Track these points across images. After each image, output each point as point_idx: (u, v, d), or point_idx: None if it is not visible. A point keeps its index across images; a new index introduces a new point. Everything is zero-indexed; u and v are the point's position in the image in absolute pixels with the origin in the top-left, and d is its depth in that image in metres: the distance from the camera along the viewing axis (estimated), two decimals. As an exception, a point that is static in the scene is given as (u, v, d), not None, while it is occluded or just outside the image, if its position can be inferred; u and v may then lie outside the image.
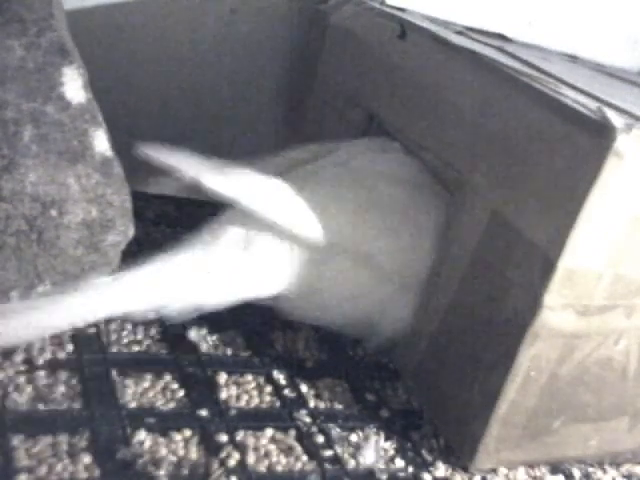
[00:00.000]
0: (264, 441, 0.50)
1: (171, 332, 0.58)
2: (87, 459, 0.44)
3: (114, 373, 0.51)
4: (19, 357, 0.50)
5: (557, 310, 0.48)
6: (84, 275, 0.52)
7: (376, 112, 0.65)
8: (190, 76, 0.78)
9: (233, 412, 0.52)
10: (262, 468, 0.48)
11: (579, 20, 0.88)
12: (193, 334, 0.58)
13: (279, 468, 0.48)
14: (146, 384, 0.52)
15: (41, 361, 0.50)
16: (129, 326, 0.57)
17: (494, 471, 0.55)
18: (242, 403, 0.53)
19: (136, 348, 0.55)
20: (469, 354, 0.53)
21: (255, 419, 0.52)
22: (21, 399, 0.47)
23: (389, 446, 0.54)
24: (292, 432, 0.52)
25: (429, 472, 0.52)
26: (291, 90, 0.82)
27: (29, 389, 0.48)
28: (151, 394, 0.51)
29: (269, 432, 0.51)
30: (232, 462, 0.47)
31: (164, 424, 0.49)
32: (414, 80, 0.61)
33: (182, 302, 0.53)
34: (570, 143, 0.46)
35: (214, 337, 0.59)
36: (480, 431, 0.52)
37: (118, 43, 0.72)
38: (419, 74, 0.61)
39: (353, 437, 0.53)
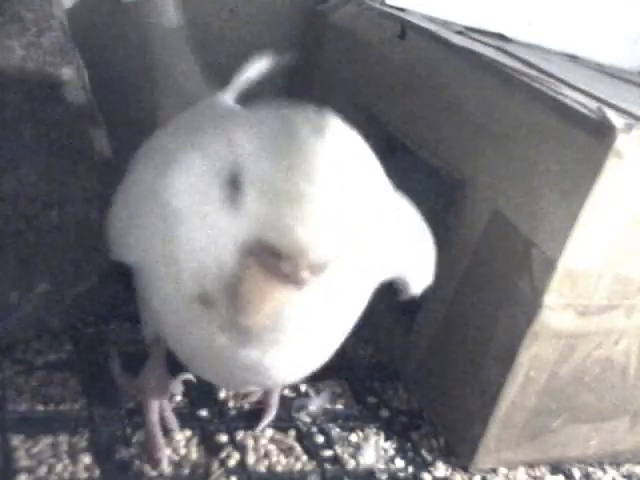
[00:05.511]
0: (264, 441, 0.50)
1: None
2: (87, 459, 0.44)
3: (114, 373, 0.51)
4: (19, 357, 0.50)
5: (557, 310, 0.48)
6: (84, 275, 0.52)
7: (376, 112, 0.65)
8: (190, 76, 0.78)
9: (233, 412, 0.52)
10: (262, 468, 0.48)
11: (579, 20, 0.87)
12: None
13: (279, 468, 0.48)
14: (146, 384, 0.52)
15: (41, 361, 0.50)
16: (128, 325, 0.57)
17: (494, 471, 0.55)
18: (242, 403, 0.53)
19: (136, 347, 0.55)
20: (469, 354, 0.53)
21: (255, 419, 0.51)
22: (21, 399, 0.47)
23: (389, 446, 0.54)
24: (292, 432, 0.52)
25: (429, 472, 0.52)
26: (291, 90, 0.82)
27: (29, 389, 0.48)
28: (151, 394, 0.51)
29: (269, 432, 0.51)
30: (232, 462, 0.47)
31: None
32: (414, 80, 0.61)
33: None
34: (570, 143, 0.46)
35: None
36: (480, 431, 0.52)
37: (118, 43, 0.72)
38: (419, 74, 0.61)
39: (353, 437, 0.53)
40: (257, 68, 0.57)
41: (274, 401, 0.52)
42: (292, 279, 0.33)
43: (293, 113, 0.35)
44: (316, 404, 0.55)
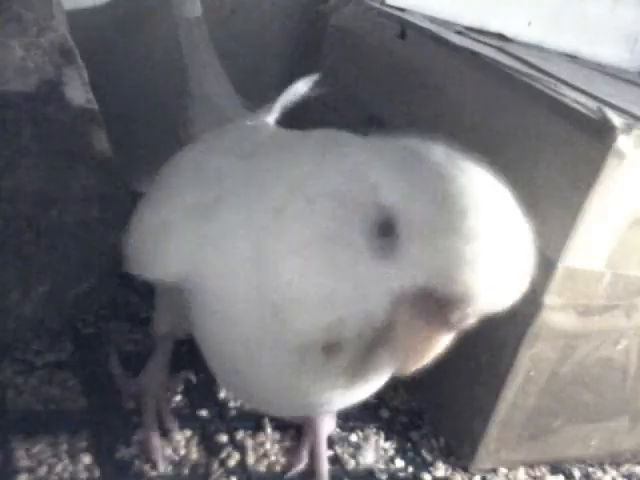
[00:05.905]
0: (264, 441, 0.50)
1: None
2: (87, 459, 0.44)
3: (113, 372, 0.51)
4: (19, 357, 0.50)
5: (557, 310, 0.48)
6: (84, 275, 0.52)
7: (376, 112, 0.65)
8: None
9: (233, 412, 0.52)
10: (262, 468, 0.48)
11: (579, 20, 0.87)
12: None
13: (279, 468, 0.48)
14: (146, 384, 0.52)
15: (41, 361, 0.50)
16: (128, 325, 0.57)
17: (494, 471, 0.55)
18: (242, 403, 0.53)
19: (136, 347, 0.55)
20: (469, 354, 0.53)
21: (255, 419, 0.52)
22: (21, 399, 0.47)
23: (389, 446, 0.54)
24: (292, 432, 0.52)
25: (429, 472, 0.52)
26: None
27: (29, 389, 0.48)
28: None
29: (269, 432, 0.51)
30: (232, 462, 0.47)
31: (164, 424, 0.49)
32: (414, 80, 0.61)
33: None
34: (570, 143, 0.46)
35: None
36: (480, 431, 0.52)
37: (118, 43, 0.72)
38: (419, 74, 0.61)
39: (353, 437, 0.53)
40: (298, 90, 0.56)
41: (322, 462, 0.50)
42: (456, 326, 0.31)
43: (426, 150, 0.34)
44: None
